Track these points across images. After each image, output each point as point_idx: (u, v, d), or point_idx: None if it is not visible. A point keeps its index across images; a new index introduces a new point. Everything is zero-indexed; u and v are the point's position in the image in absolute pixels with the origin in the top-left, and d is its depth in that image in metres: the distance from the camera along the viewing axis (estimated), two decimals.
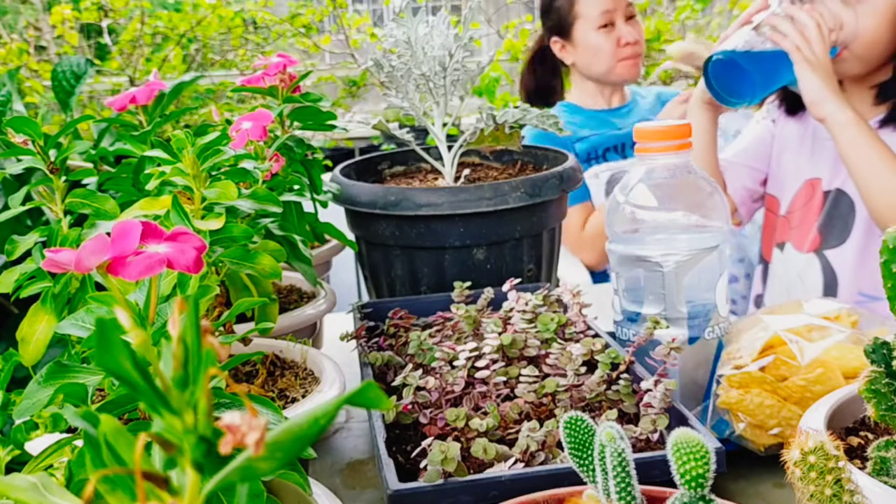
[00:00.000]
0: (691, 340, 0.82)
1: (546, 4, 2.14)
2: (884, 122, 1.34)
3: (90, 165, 1.00)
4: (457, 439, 0.65)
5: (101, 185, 0.87)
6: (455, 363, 0.73)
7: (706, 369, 0.82)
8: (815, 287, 1.40)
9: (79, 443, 0.49)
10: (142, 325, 0.50)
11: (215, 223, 0.64)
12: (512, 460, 0.61)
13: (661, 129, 0.81)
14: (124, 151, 0.83)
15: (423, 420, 0.68)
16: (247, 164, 0.75)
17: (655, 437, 0.65)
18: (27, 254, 0.69)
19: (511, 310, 0.82)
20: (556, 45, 2.14)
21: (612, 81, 2.14)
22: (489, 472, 0.60)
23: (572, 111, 2.15)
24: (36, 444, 0.52)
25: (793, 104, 1.48)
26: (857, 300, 1.35)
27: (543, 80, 2.25)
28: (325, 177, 1.00)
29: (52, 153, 0.73)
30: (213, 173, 0.71)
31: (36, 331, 0.65)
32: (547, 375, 0.73)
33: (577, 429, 0.49)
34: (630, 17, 2.10)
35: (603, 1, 2.07)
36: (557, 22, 2.11)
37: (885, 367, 0.57)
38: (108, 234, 0.45)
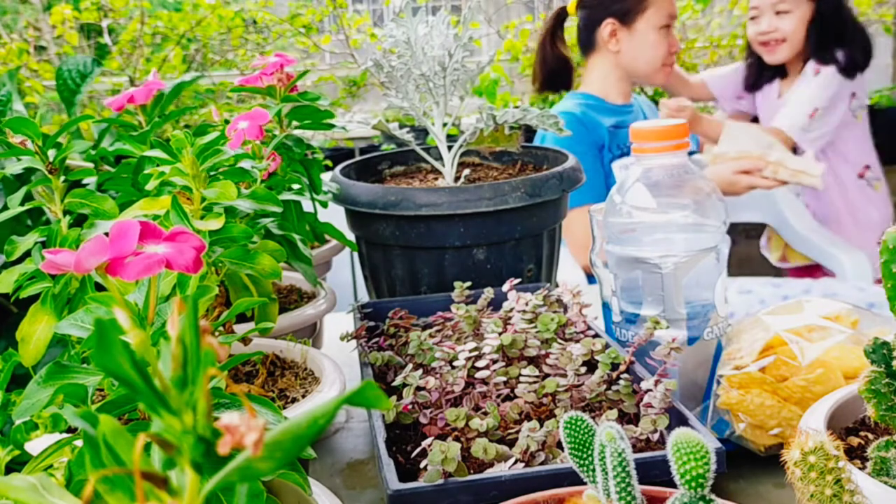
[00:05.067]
0: (690, 341, 0.81)
1: None
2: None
3: (90, 165, 1.00)
4: (457, 439, 0.65)
5: (101, 185, 0.87)
6: (455, 363, 0.73)
7: (706, 369, 0.82)
8: None
9: (78, 443, 0.49)
10: (141, 326, 0.50)
11: (215, 223, 0.64)
12: (512, 460, 0.61)
13: (658, 129, 0.81)
14: (124, 151, 0.83)
15: (423, 420, 0.68)
16: (245, 164, 0.75)
17: (655, 437, 0.65)
18: (27, 254, 0.69)
19: (511, 310, 0.82)
20: (607, 27, 2.08)
21: (642, 81, 2.13)
22: (489, 472, 0.60)
23: (594, 102, 2.13)
24: (36, 444, 0.52)
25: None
26: None
27: (561, 59, 2.20)
28: (325, 177, 1.00)
29: (51, 153, 0.73)
30: (213, 173, 0.71)
31: (36, 331, 0.65)
32: (547, 375, 0.73)
33: (577, 429, 0.49)
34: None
35: (672, 4, 2.06)
36: (623, 6, 2.05)
37: (885, 367, 0.57)
38: (107, 234, 0.45)
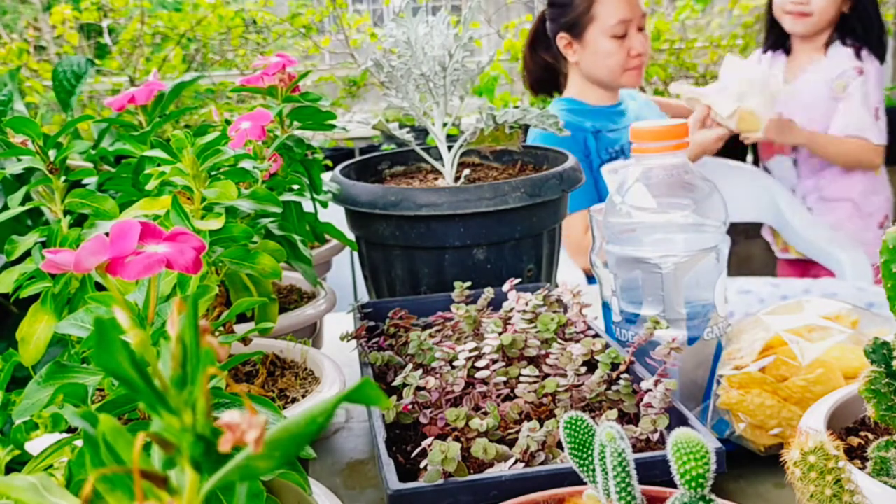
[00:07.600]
0: (690, 341, 0.81)
1: None
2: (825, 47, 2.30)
3: (90, 165, 1.00)
4: (457, 439, 0.65)
5: (101, 185, 0.87)
6: (455, 363, 0.73)
7: (706, 369, 0.82)
8: None
9: (79, 443, 0.49)
10: (141, 325, 0.50)
11: (215, 223, 0.64)
12: (512, 460, 0.61)
13: (658, 129, 0.81)
14: (124, 151, 0.83)
15: (423, 420, 0.68)
16: (246, 164, 0.75)
17: (655, 437, 0.65)
18: (27, 254, 0.69)
19: (511, 310, 0.82)
20: (562, 41, 2.11)
21: (612, 86, 2.13)
22: (489, 472, 0.60)
23: (576, 107, 2.13)
24: (36, 444, 0.52)
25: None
26: None
27: (544, 65, 2.21)
28: (325, 177, 1.00)
29: (52, 153, 0.73)
30: (213, 173, 0.71)
31: (36, 331, 0.65)
32: (547, 375, 0.73)
33: (577, 429, 0.49)
34: (641, 28, 2.10)
35: (622, 10, 2.05)
36: (569, 19, 2.07)
37: (885, 367, 0.57)
38: (107, 234, 0.45)
